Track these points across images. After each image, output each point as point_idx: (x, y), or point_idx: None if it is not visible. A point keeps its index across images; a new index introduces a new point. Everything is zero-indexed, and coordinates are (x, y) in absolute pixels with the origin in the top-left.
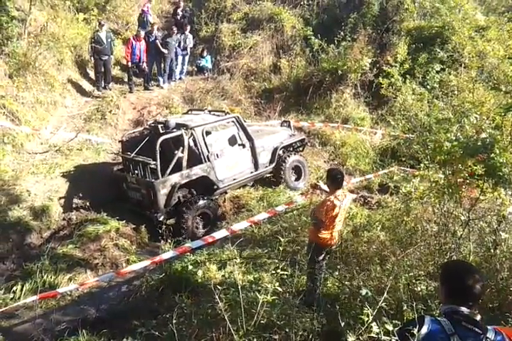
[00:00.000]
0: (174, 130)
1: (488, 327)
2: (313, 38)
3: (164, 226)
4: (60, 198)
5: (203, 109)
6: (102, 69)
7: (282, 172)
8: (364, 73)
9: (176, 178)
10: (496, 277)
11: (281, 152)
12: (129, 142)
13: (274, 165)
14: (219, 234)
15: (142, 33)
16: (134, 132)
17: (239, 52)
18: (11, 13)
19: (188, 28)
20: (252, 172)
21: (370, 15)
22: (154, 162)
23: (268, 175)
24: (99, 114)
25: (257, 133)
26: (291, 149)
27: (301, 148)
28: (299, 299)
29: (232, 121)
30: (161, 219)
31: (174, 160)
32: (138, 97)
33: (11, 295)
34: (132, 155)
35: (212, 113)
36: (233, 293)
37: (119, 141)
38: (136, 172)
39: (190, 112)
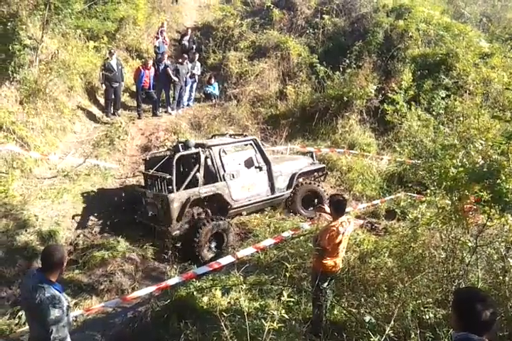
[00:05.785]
0: (193, 149)
1: None
2: (318, 65)
3: (170, 252)
4: (68, 222)
5: (224, 133)
6: (113, 96)
7: (295, 199)
8: (369, 100)
9: (189, 193)
10: (505, 305)
11: (300, 179)
12: (151, 161)
13: (291, 190)
14: (225, 260)
15: (150, 61)
16: (157, 152)
17: (246, 79)
18: (24, 42)
19: (197, 56)
20: (268, 196)
21: (375, 43)
22: (170, 176)
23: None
24: (107, 140)
25: (276, 159)
26: (313, 178)
27: (321, 178)
28: (306, 327)
29: (250, 144)
30: (174, 233)
31: (190, 177)
32: (146, 123)
33: (16, 321)
34: (152, 171)
35: (233, 136)
36: (239, 320)
37: (143, 160)
38: (154, 188)
39: (214, 137)
